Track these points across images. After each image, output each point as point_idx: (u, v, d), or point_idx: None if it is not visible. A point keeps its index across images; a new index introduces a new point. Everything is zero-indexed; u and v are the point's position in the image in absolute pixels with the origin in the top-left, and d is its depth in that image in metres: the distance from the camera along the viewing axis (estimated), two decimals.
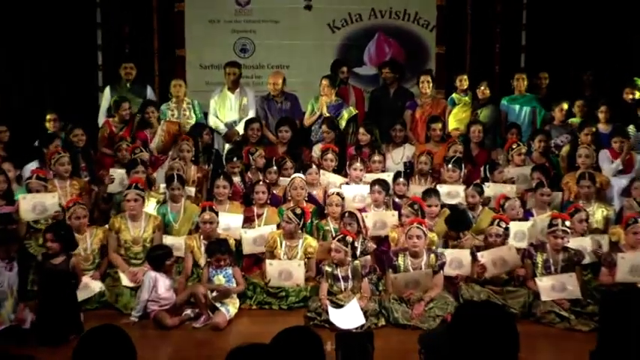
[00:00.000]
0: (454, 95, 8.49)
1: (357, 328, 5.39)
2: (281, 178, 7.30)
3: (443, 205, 6.71)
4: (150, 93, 8.67)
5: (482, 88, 8.37)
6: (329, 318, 5.49)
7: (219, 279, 5.79)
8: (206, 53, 9.75)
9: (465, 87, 8.45)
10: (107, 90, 8.61)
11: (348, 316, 5.50)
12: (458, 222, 6.39)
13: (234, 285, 5.83)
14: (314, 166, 7.30)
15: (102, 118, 8.42)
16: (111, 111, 8.22)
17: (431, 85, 8.44)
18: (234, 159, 7.41)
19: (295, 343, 2.89)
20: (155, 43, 9.76)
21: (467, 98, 8.45)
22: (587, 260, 6.16)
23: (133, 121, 8.04)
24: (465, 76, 8.48)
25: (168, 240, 6.44)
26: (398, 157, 7.94)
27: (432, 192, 6.70)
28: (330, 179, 7.33)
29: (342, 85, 8.55)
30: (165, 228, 6.59)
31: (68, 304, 5.35)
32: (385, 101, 8.63)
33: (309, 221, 6.69)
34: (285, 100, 8.40)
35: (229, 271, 5.83)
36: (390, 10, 9.87)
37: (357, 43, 9.92)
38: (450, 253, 6.08)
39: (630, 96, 8.09)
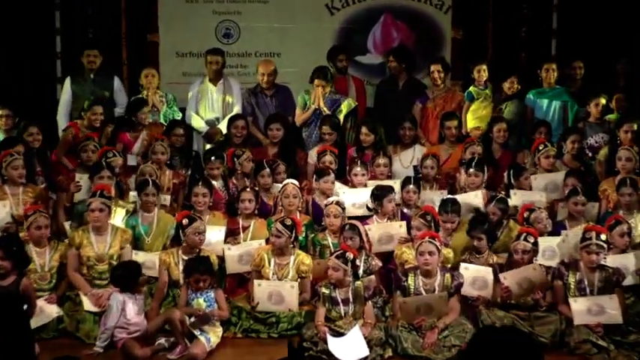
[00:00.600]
0: (472, 89, 8.54)
1: None
2: (273, 185, 7.36)
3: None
4: (117, 85, 8.74)
5: (510, 81, 8.42)
6: (327, 348, 5.52)
7: (199, 303, 5.80)
8: (183, 39, 9.83)
9: (484, 78, 8.50)
10: (67, 82, 8.65)
11: (350, 347, 5.53)
12: (477, 222, 6.42)
13: (217, 310, 5.85)
14: (332, 174, 7.27)
15: (62, 115, 8.47)
16: (72, 107, 8.30)
17: (443, 75, 8.51)
18: (213, 158, 7.43)
19: None
20: (123, 27, 9.83)
21: (487, 91, 8.52)
22: (629, 281, 6.18)
23: (102, 128, 8.04)
24: (484, 66, 8.54)
25: (139, 257, 6.46)
26: (407, 159, 7.99)
27: (449, 203, 6.72)
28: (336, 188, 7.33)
29: (339, 75, 8.59)
30: (135, 242, 6.62)
31: (19, 333, 5.34)
32: (392, 95, 8.70)
33: (304, 235, 6.73)
34: (275, 93, 8.48)
35: (211, 294, 5.84)
36: None
37: (359, 27, 10.01)
38: (472, 270, 6.11)
39: None
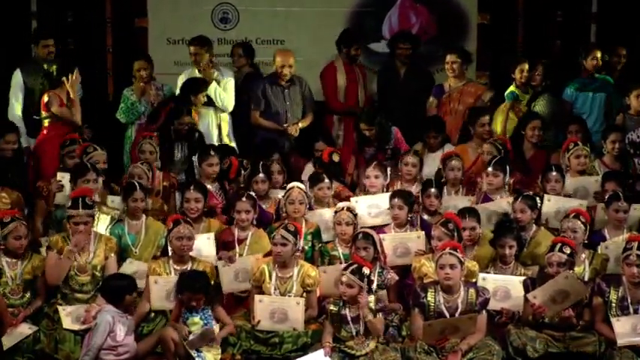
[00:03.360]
0: (513, 89, 8.55)
1: None
2: (272, 190, 7.40)
3: None
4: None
5: (538, 71, 8.50)
6: None
7: (195, 321, 5.81)
8: (174, 24, 9.94)
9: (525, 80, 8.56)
10: (17, 74, 8.59)
11: None
12: (505, 228, 6.44)
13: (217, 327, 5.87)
14: (326, 180, 7.33)
15: (14, 111, 8.48)
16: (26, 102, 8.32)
17: (459, 66, 8.58)
18: (212, 153, 7.53)
19: None
20: (107, 11, 9.93)
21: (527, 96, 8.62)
22: None
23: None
24: (527, 65, 8.59)
25: (131, 266, 6.50)
26: (435, 162, 8.02)
27: (468, 212, 6.76)
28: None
29: (350, 64, 8.66)
30: (121, 254, 6.65)
31: None
32: (393, 85, 8.79)
33: (310, 245, 6.78)
34: (291, 84, 8.59)
35: (208, 310, 5.85)
36: None
37: (374, 10, 10.11)
38: (494, 281, 6.16)
39: None
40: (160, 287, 6.09)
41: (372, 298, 5.87)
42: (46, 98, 8.09)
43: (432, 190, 7.12)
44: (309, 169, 8.02)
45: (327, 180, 7.29)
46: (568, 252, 6.06)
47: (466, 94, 8.56)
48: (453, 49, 8.87)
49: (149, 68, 8.62)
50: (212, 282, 6.26)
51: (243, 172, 7.61)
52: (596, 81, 8.58)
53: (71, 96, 8.12)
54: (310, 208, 7.18)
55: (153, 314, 6.18)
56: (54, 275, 6.29)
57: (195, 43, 8.74)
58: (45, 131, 8.11)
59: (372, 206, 7.16)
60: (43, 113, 8.16)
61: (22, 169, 7.77)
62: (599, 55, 8.61)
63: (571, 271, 6.06)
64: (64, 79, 8.10)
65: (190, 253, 6.36)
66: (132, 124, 8.72)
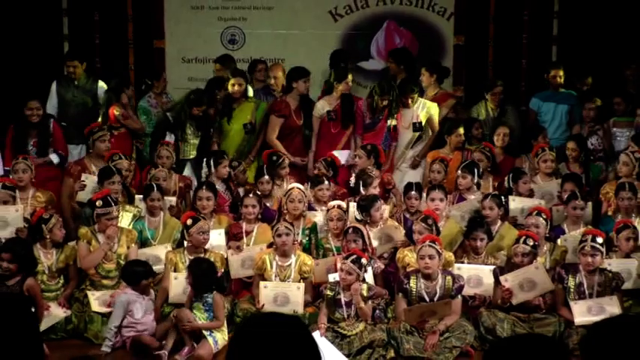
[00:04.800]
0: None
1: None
2: (275, 189, 7.40)
3: None
4: (101, 90, 8.59)
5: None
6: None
7: (199, 307, 5.84)
8: (189, 45, 9.86)
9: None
10: (53, 86, 8.58)
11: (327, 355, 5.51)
12: (477, 223, 6.50)
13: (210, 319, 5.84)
14: (325, 181, 7.30)
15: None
16: (59, 110, 8.28)
17: (427, 78, 8.54)
18: (225, 157, 7.54)
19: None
20: (130, 33, 9.86)
21: None
22: (630, 285, 6.24)
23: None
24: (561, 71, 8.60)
25: (145, 251, 6.55)
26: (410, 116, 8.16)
27: (437, 187, 6.98)
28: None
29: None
30: (142, 246, 6.67)
31: (26, 332, 5.41)
32: None
33: (307, 239, 6.80)
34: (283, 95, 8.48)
35: (209, 299, 5.84)
36: None
37: (363, 33, 10.01)
38: (468, 270, 6.19)
39: None
40: (179, 283, 6.11)
41: (364, 286, 5.89)
42: (116, 112, 7.99)
43: (413, 192, 7.10)
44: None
45: (326, 182, 7.29)
46: (531, 244, 6.11)
47: (437, 101, 8.45)
48: (425, 64, 8.84)
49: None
50: (222, 269, 6.26)
51: (232, 171, 7.63)
52: (560, 94, 8.58)
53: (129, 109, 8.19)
54: (311, 207, 7.19)
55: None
56: (89, 263, 6.35)
57: (219, 60, 8.79)
58: (113, 140, 7.91)
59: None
60: (112, 126, 8.09)
61: (45, 135, 7.75)
62: (560, 73, 8.61)
63: (541, 264, 6.11)
64: (123, 94, 8.12)
65: None
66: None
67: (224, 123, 8.10)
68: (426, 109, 8.20)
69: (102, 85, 8.65)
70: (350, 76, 8.26)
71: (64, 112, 8.40)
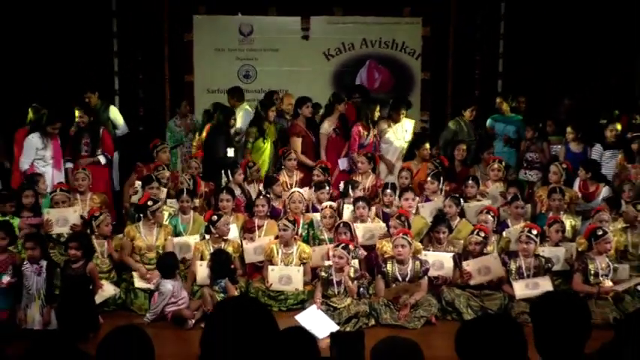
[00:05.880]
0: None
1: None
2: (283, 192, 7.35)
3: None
4: (113, 113, 8.42)
5: (471, 110, 8.51)
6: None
7: (216, 289, 5.83)
8: (212, 79, 9.87)
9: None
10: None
11: (319, 324, 5.45)
12: (440, 220, 6.53)
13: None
14: (327, 187, 7.25)
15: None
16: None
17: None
18: (239, 166, 7.54)
19: (293, 342, 2.87)
20: (166, 70, 9.88)
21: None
22: (558, 267, 6.25)
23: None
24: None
25: (177, 240, 6.53)
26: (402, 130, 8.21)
27: (408, 190, 6.99)
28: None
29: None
30: (176, 237, 6.62)
31: (86, 305, 5.44)
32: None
33: (306, 232, 6.78)
34: (292, 118, 8.46)
35: (223, 283, 5.81)
36: (379, 40, 10.02)
37: (349, 70, 10.06)
38: (432, 256, 6.18)
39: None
40: (203, 269, 6.04)
41: (351, 269, 5.89)
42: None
43: (388, 190, 7.13)
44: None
45: (327, 187, 7.29)
46: (483, 235, 6.13)
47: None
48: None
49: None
50: (238, 254, 6.27)
51: (248, 169, 7.57)
52: (509, 117, 8.54)
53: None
54: (315, 208, 7.18)
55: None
56: (122, 260, 6.38)
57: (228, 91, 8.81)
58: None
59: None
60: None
61: (95, 139, 7.67)
62: (505, 102, 8.60)
63: (497, 255, 6.10)
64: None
65: None
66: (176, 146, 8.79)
67: (259, 142, 8.02)
68: (409, 123, 8.24)
69: (113, 109, 8.47)
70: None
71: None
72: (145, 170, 7.42)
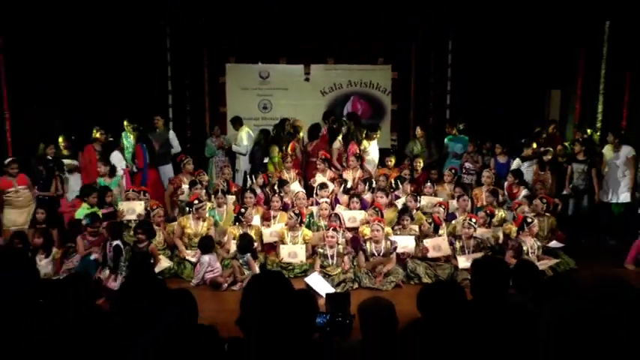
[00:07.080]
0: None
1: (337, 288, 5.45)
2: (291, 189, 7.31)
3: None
4: (171, 135, 8.20)
5: (421, 134, 8.53)
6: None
7: (240, 262, 5.80)
8: (239, 110, 9.79)
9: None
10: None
11: (321, 285, 5.47)
12: (404, 211, 6.49)
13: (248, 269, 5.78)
14: (329, 187, 7.17)
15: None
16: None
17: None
18: (259, 174, 7.54)
19: (301, 301, 2.80)
20: (206, 103, 9.90)
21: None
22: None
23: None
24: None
25: (218, 229, 6.49)
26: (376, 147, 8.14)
27: (381, 189, 6.97)
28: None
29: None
30: (214, 225, 6.59)
31: (149, 276, 5.43)
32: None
33: (308, 220, 6.76)
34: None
35: (245, 258, 5.78)
36: (360, 81, 10.07)
37: (339, 103, 10.08)
38: (399, 238, 6.14)
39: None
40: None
41: (341, 247, 5.89)
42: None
43: (366, 187, 7.16)
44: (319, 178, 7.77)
45: (330, 187, 7.26)
46: (430, 221, 6.15)
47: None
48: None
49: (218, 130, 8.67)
50: (258, 237, 6.22)
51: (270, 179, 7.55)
52: (458, 137, 8.46)
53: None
54: (317, 202, 7.08)
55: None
56: (173, 242, 6.31)
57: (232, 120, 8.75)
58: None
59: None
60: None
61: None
62: (451, 127, 8.54)
63: (446, 237, 6.07)
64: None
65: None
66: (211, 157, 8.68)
67: (278, 155, 8.04)
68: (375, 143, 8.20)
69: (172, 133, 8.22)
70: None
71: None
72: (177, 180, 7.29)
